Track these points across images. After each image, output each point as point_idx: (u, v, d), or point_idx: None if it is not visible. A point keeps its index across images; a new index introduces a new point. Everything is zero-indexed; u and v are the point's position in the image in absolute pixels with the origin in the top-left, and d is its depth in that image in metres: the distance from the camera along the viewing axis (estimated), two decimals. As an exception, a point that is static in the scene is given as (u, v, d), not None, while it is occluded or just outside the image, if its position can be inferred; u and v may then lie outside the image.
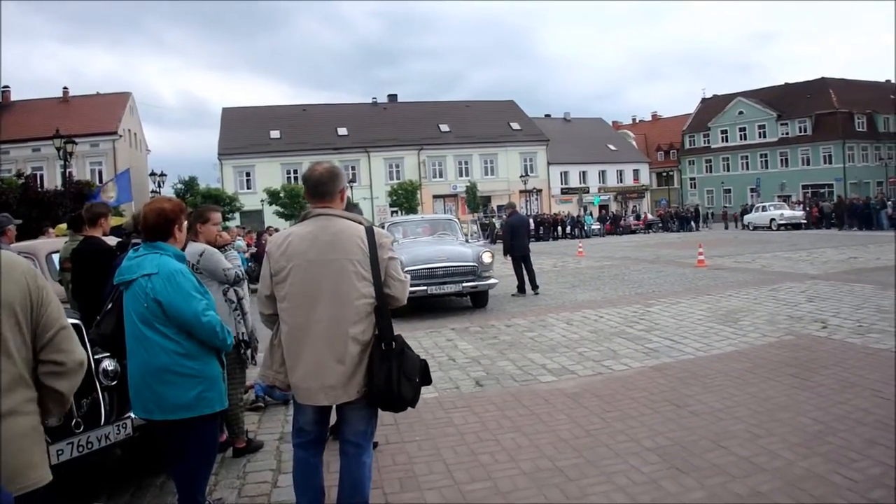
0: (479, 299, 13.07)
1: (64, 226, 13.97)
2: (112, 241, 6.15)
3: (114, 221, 7.12)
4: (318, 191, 3.49)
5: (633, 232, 51.60)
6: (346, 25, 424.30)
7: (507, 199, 59.70)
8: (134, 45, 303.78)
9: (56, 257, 7.52)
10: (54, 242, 8.94)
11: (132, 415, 4.04)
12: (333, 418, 3.73)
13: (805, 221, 41.73)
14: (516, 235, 15.03)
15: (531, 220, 50.67)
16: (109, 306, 3.76)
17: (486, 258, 12.57)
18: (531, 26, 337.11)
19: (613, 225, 52.35)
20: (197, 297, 3.49)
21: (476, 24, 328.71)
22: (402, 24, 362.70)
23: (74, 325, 4.10)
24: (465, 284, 12.26)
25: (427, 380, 3.61)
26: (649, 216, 56.39)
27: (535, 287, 14.71)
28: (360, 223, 3.47)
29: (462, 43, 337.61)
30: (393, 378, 3.33)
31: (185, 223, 3.80)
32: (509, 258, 15.08)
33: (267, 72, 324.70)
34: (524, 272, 14.85)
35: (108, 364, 4.29)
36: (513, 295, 14.56)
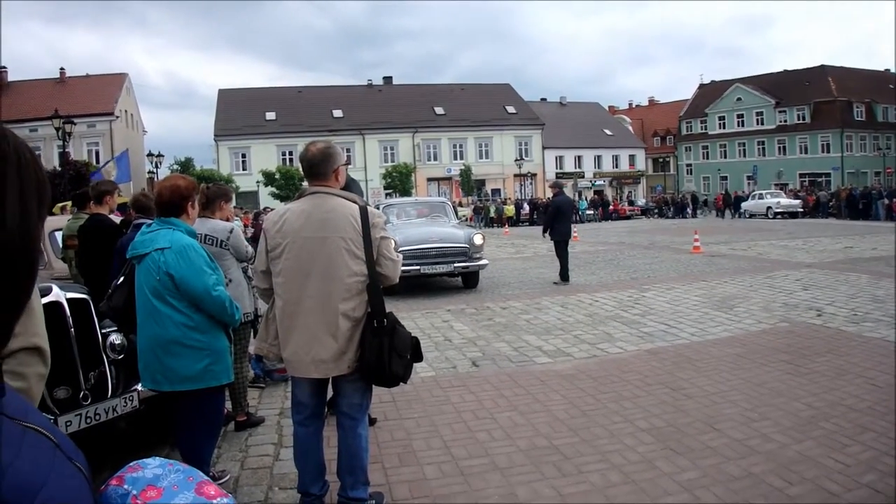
0: (470, 279, 13.32)
1: (59, 205, 14.00)
2: (117, 218, 6.21)
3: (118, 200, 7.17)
4: (312, 171, 3.59)
5: (629, 217, 51.70)
6: (327, 4, 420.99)
7: (502, 183, 60.53)
8: (117, 25, 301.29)
9: (59, 235, 7.55)
10: (56, 220, 8.96)
11: (138, 387, 4.12)
12: (331, 393, 3.82)
13: (802, 210, 41.84)
14: (561, 218, 13.83)
15: (525, 204, 51.16)
16: (121, 280, 3.83)
17: (478, 240, 12.80)
18: (512, 7, 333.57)
19: (603, 210, 52.41)
20: (208, 272, 3.56)
21: (457, 6, 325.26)
22: (384, 4, 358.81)
23: (83, 300, 4.21)
24: (456, 265, 12.54)
25: (418, 357, 3.66)
26: (629, 205, 56.84)
27: (562, 277, 13.55)
28: (354, 202, 3.54)
29: (444, 24, 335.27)
30: (384, 354, 3.41)
31: (199, 200, 3.87)
32: (548, 238, 14.08)
33: (251, 52, 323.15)
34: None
35: (115, 338, 4.36)
36: (555, 283, 13.46)
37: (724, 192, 54.09)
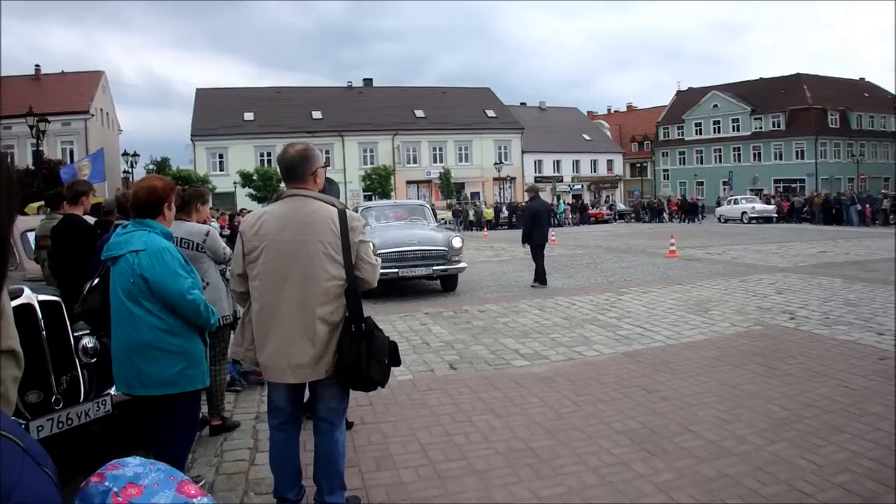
0: (448, 282, 13.33)
1: (34, 205, 13.81)
2: (91, 219, 6.13)
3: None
4: (290, 173, 3.56)
5: (606, 222, 52.06)
6: (308, 4, 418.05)
7: (481, 186, 60.68)
8: (94, 21, 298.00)
9: (31, 235, 7.44)
10: (28, 221, 8.84)
11: (112, 391, 4.07)
12: (307, 396, 3.79)
13: (776, 215, 42.37)
14: (538, 222, 13.74)
15: (504, 207, 51.27)
16: (96, 282, 3.78)
17: (456, 243, 12.83)
18: (493, 9, 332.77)
19: (580, 214, 52.73)
20: (183, 276, 3.53)
21: (438, 6, 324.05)
22: (365, 4, 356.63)
23: (55, 303, 4.15)
24: (435, 268, 12.55)
25: (396, 361, 3.66)
26: (608, 210, 57.38)
27: (539, 281, 13.53)
28: (333, 205, 3.52)
29: (425, 25, 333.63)
30: (362, 359, 3.39)
31: (174, 202, 3.83)
32: (527, 246, 13.85)
33: (231, 51, 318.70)
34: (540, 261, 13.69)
35: (88, 341, 4.30)
36: (532, 286, 13.43)
37: (681, 198, 56.04)
